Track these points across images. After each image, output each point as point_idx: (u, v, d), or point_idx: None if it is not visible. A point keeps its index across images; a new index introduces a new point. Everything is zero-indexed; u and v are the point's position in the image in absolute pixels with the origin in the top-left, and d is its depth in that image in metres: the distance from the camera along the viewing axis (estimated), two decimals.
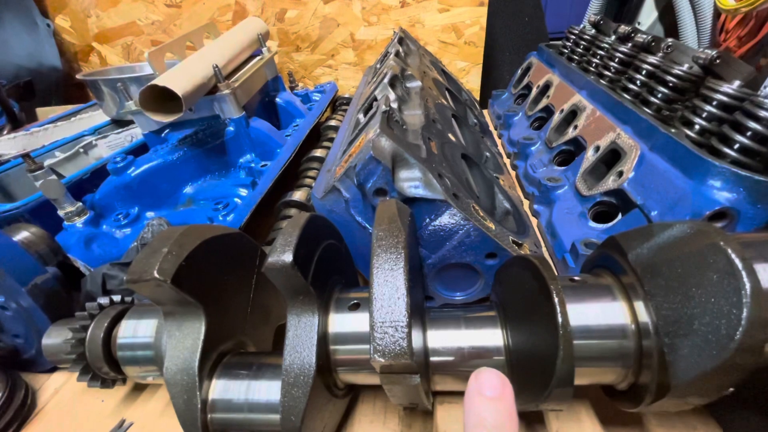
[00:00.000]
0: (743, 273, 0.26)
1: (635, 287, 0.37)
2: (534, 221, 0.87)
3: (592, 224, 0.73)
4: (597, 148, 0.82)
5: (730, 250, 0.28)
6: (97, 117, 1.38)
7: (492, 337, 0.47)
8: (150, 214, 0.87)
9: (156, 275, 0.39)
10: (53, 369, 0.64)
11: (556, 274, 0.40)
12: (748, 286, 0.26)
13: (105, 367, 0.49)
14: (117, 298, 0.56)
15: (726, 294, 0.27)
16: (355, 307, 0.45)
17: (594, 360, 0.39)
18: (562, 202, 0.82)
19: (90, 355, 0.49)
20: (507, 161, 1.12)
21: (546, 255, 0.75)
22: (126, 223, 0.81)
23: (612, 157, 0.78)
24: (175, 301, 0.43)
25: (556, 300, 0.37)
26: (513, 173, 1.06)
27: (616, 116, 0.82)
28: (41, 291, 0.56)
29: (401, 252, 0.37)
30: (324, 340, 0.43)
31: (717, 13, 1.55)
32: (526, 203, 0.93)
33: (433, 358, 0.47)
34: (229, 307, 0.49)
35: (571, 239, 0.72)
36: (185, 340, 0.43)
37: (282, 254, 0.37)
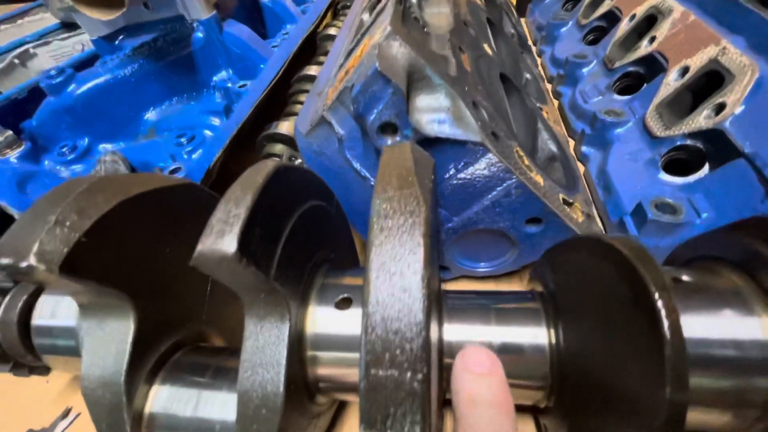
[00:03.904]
0: None
1: None
2: (580, 168, 0.69)
3: (665, 177, 0.56)
4: (684, 70, 0.60)
5: None
6: (50, 20, 1.14)
7: (532, 337, 0.35)
8: (106, 146, 0.71)
9: (34, 261, 0.25)
10: None
11: (662, 273, 0.25)
12: None
13: (28, 355, 0.38)
14: None
15: None
16: (345, 304, 0.31)
17: (712, 400, 0.26)
18: (623, 145, 0.63)
19: (5, 342, 0.38)
20: (548, 87, 0.90)
21: (594, 215, 0.59)
22: (73, 158, 0.66)
23: (707, 82, 0.57)
24: (86, 292, 0.30)
25: (666, 325, 0.23)
26: (556, 103, 0.85)
27: (722, 21, 0.58)
28: None
29: (420, 242, 0.21)
30: (299, 343, 0.30)
31: None
32: (571, 144, 0.74)
33: (449, 360, 0.35)
34: (176, 288, 0.36)
35: (635, 196, 0.55)
36: (108, 342, 0.31)
37: (219, 239, 0.22)
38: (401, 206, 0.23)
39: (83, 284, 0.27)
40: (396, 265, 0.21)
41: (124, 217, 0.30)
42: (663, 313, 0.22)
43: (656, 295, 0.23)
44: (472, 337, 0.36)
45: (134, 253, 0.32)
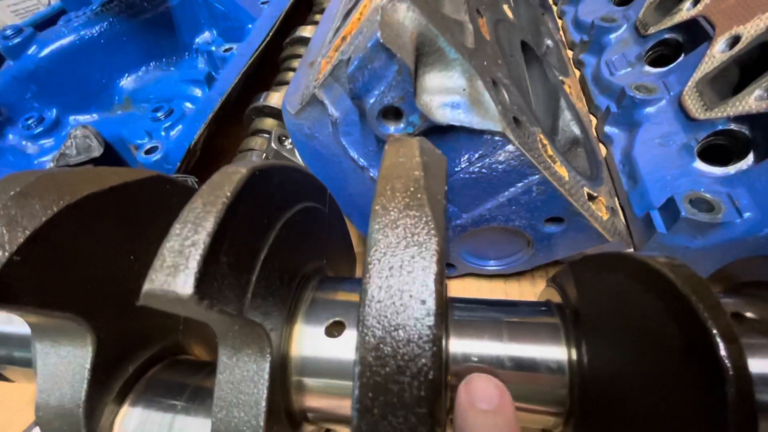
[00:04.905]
0: None
1: None
2: (602, 151, 0.62)
3: (701, 166, 0.50)
4: (734, 40, 0.52)
5: None
6: None
7: (549, 355, 0.31)
8: (77, 118, 0.64)
9: None
10: None
11: (728, 317, 0.20)
12: None
13: None
14: None
15: None
16: (336, 329, 0.27)
17: None
18: (654, 126, 0.57)
19: None
20: (569, 54, 0.81)
21: (617, 207, 0.53)
22: (41, 131, 0.59)
23: (762, 56, 0.49)
24: (30, 315, 0.25)
25: (733, 393, 0.18)
26: (577, 73, 0.76)
27: None
28: None
29: (432, 290, 0.16)
30: (283, 368, 0.26)
31: None
32: (592, 121, 0.67)
33: (453, 380, 0.32)
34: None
35: (664, 188, 0.49)
36: (64, 368, 0.27)
37: (171, 278, 0.17)
38: (407, 235, 0.18)
39: (20, 311, 0.23)
40: (398, 317, 0.16)
41: (71, 225, 0.25)
42: (732, 376, 0.18)
43: (724, 353, 0.18)
44: (480, 353, 0.32)
45: (87, 266, 0.27)
